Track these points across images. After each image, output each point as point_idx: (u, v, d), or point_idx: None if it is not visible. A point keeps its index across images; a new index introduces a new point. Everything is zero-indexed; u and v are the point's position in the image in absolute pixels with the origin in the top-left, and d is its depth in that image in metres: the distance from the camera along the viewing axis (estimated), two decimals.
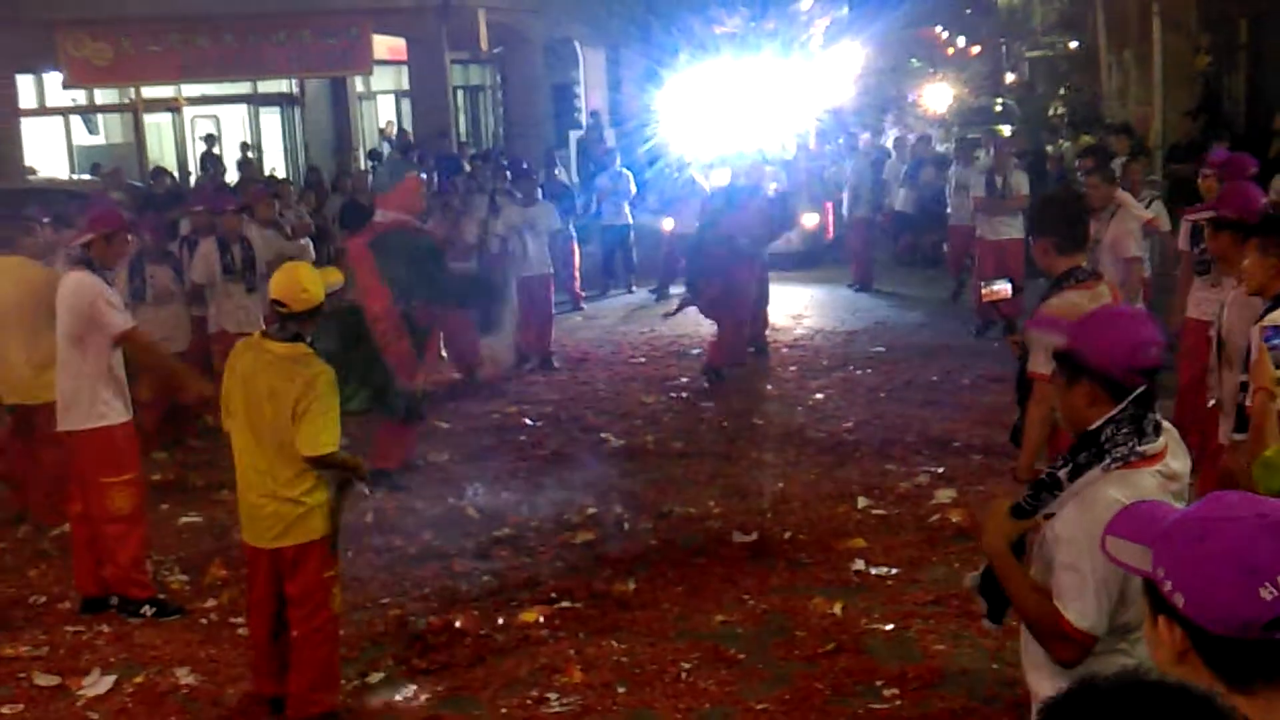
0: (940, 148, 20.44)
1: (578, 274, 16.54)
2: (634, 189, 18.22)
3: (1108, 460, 3.35)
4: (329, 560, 5.95)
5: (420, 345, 9.43)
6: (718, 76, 22.78)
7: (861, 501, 8.63)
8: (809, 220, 18.39)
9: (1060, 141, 21.69)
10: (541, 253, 13.52)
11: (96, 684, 6.49)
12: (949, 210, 15.73)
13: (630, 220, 18.12)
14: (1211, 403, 5.91)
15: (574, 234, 16.24)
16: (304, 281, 5.79)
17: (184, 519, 9.02)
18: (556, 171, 18.16)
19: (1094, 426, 3.41)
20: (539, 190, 14.19)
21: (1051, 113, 26.42)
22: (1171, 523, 2.00)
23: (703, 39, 24.35)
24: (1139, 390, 3.43)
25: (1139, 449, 3.39)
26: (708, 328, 13.92)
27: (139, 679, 6.53)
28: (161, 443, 10.58)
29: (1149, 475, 3.36)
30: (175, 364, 7.48)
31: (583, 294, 16.71)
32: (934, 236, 18.06)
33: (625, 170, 18.42)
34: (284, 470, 5.75)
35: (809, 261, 18.10)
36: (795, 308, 15.81)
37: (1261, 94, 23.80)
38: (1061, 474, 3.41)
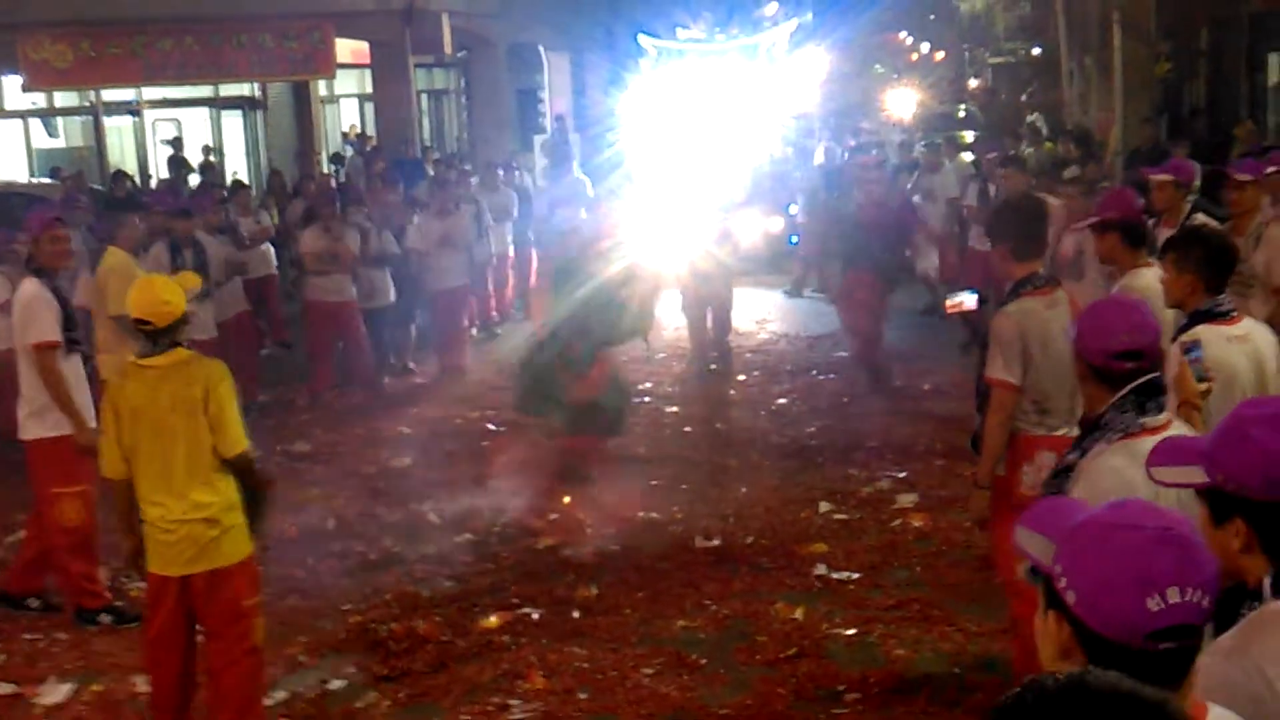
0: (893, 158, 20.47)
1: (534, 278, 16.48)
2: (591, 194, 18.17)
3: (1110, 433, 3.57)
4: (250, 586, 5.57)
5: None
6: (682, 81, 22.84)
7: (824, 506, 8.65)
8: (773, 225, 18.43)
9: (1024, 148, 21.81)
10: (458, 265, 13.26)
11: (53, 692, 6.43)
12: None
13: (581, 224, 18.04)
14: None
15: (531, 239, 16.21)
16: (163, 294, 5.46)
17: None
18: (516, 176, 18.08)
19: (1097, 413, 3.68)
20: (456, 200, 13.85)
21: (1028, 120, 26.57)
22: (1078, 522, 2.05)
23: (667, 44, 24.41)
24: (1141, 379, 3.65)
25: (1140, 420, 3.60)
26: (674, 333, 13.96)
27: (96, 687, 6.47)
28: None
29: (1152, 443, 3.41)
30: (69, 404, 7.18)
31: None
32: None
33: (583, 176, 18.42)
34: (198, 488, 5.37)
35: (772, 266, 18.11)
36: (759, 313, 15.83)
37: (1221, 101, 24.05)
38: (1072, 458, 3.56)
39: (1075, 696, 1.67)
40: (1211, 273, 5.04)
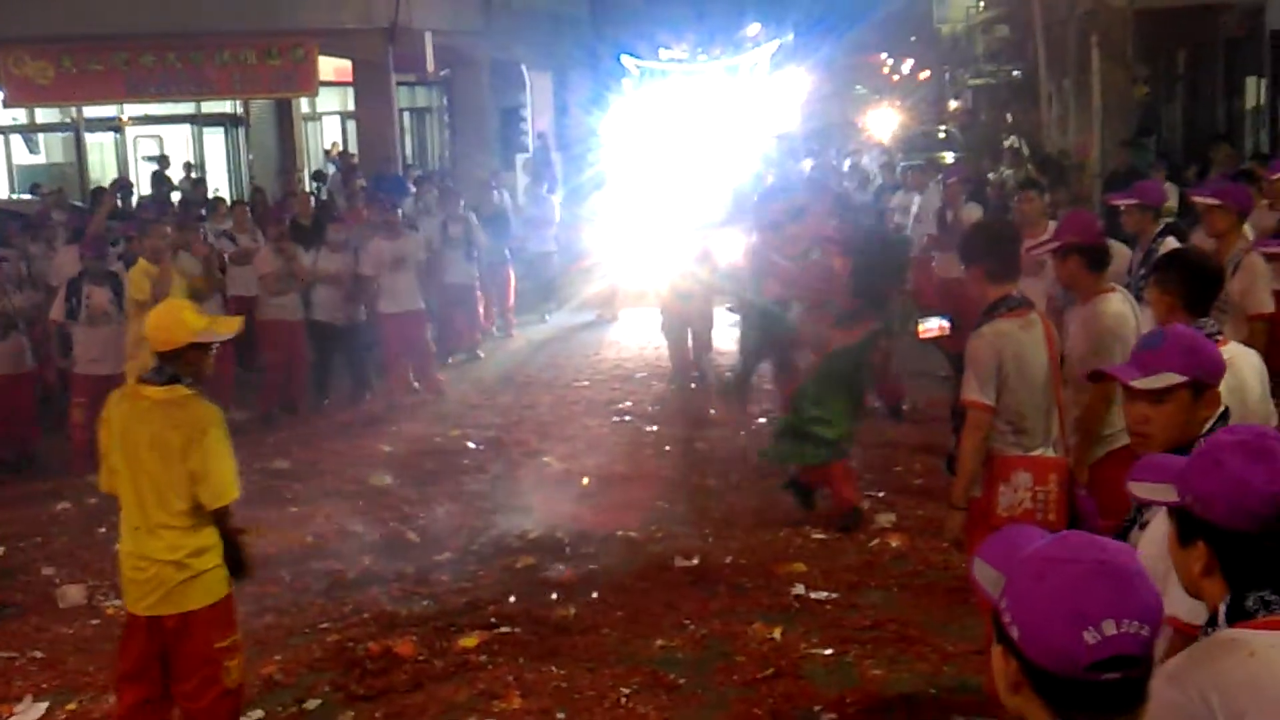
0: (877, 178, 20.54)
1: (512, 298, 16.55)
2: (558, 215, 18.24)
3: None
4: (223, 628, 5.30)
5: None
6: (664, 101, 22.91)
7: (802, 526, 8.67)
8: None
9: (1002, 169, 21.93)
10: (412, 288, 12.86)
11: (28, 711, 6.41)
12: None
13: (554, 248, 18.11)
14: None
15: (509, 258, 16.28)
16: (161, 319, 5.28)
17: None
18: (495, 195, 18.11)
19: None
20: (413, 221, 13.82)
21: (1005, 144, 26.70)
22: (1022, 557, 2.08)
23: (649, 64, 24.49)
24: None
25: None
26: (654, 353, 13.98)
27: (71, 706, 6.45)
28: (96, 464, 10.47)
29: None
30: None
31: (515, 321, 16.69)
32: None
33: (550, 196, 18.50)
34: (170, 530, 5.17)
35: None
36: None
37: (1198, 124, 24.22)
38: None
39: None
40: (1189, 294, 5.00)
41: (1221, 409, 3.62)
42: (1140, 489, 2.77)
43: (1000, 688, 2.10)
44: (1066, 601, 1.98)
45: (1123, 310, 5.82)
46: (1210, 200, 7.76)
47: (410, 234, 13.32)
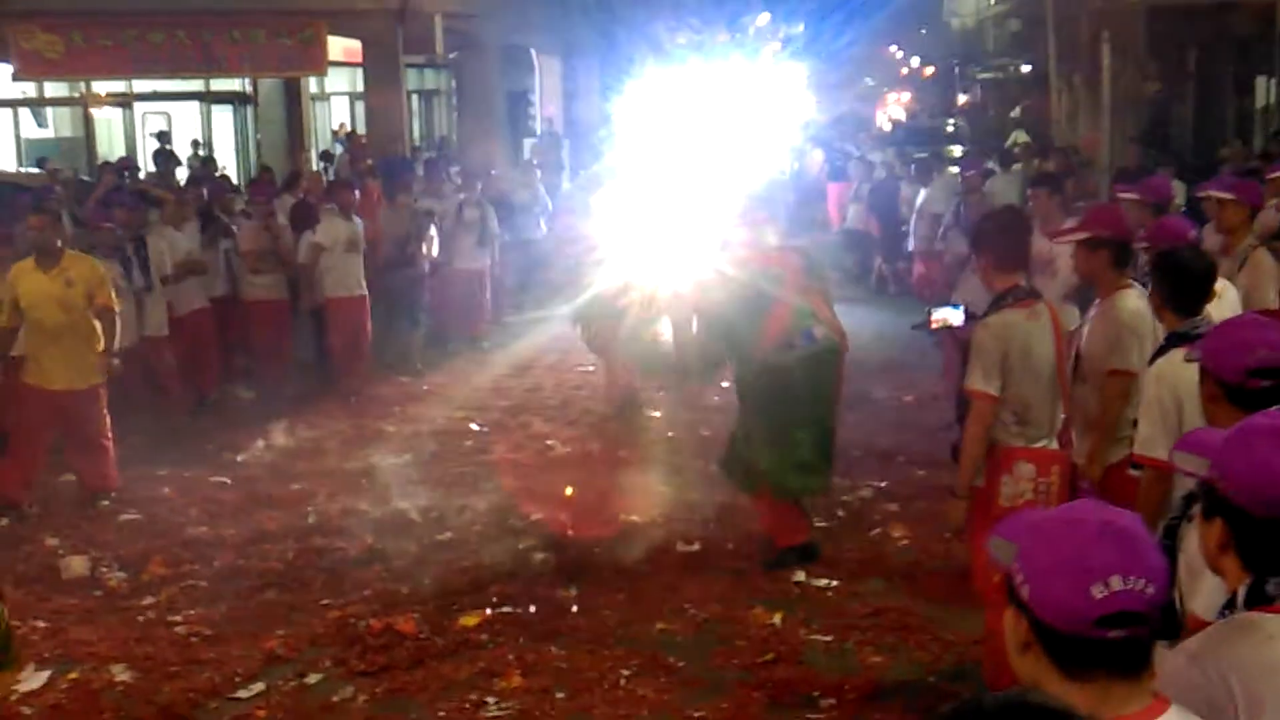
0: (882, 171, 20.56)
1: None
2: (549, 203, 18.12)
3: None
4: None
5: None
6: (673, 88, 22.83)
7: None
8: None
9: (1013, 166, 21.92)
10: (359, 272, 12.54)
11: (30, 679, 6.42)
12: (910, 233, 15.69)
13: (541, 234, 17.87)
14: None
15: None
16: None
17: (123, 516, 8.96)
18: (495, 179, 17.96)
19: None
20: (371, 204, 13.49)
21: (1010, 142, 26.67)
22: (1033, 521, 2.17)
23: (658, 51, 24.45)
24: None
25: None
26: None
27: (73, 675, 6.48)
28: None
29: None
30: None
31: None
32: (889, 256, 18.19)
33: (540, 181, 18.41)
34: None
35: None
36: None
37: (1208, 121, 24.21)
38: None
39: (1012, 714, 1.74)
40: (1177, 292, 5.01)
41: None
42: (1180, 459, 2.81)
43: (1010, 648, 2.16)
44: (1075, 559, 2.05)
45: (1140, 307, 5.78)
46: (1224, 194, 7.75)
47: (359, 219, 12.85)
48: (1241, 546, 2.62)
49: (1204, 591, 3.20)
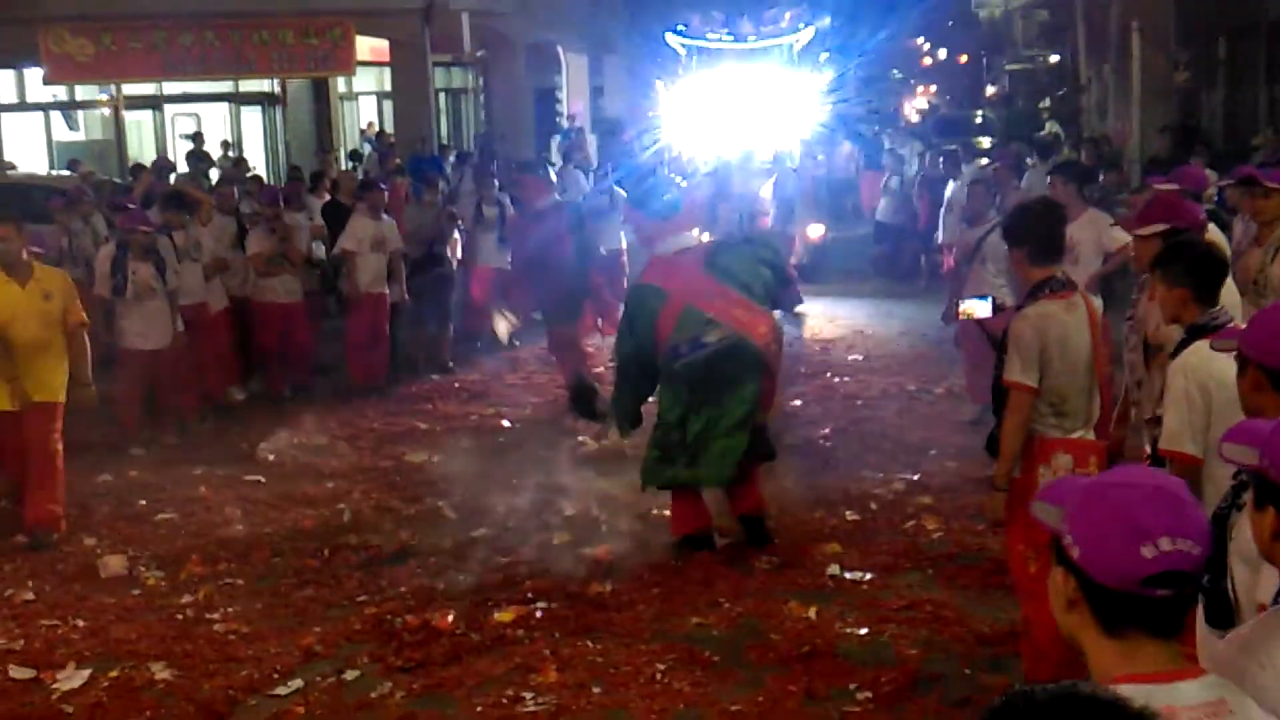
0: (913, 166, 20.51)
1: None
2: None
3: None
4: None
5: None
6: (702, 84, 22.81)
7: (838, 508, 8.67)
8: (814, 232, 18.23)
9: (1050, 158, 21.84)
10: (383, 270, 12.65)
11: (71, 678, 6.48)
12: (939, 227, 15.60)
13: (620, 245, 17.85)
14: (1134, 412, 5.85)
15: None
16: None
17: (161, 515, 9.02)
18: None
19: None
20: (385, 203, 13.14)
21: (1045, 130, 26.56)
22: (1083, 486, 2.23)
23: (693, 43, 24.40)
24: None
25: None
26: None
27: (114, 673, 6.52)
28: (140, 438, 10.62)
29: None
30: None
31: None
32: (914, 247, 18.12)
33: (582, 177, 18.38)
34: None
35: (809, 274, 17.12)
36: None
37: (1239, 111, 24.02)
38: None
39: (1063, 705, 1.76)
40: (1199, 283, 4.93)
41: None
42: (1230, 450, 2.82)
43: (1056, 607, 2.23)
44: (1126, 519, 2.11)
45: None
46: (1275, 185, 7.64)
47: (388, 219, 12.85)
48: None
49: (1266, 582, 3.17)
